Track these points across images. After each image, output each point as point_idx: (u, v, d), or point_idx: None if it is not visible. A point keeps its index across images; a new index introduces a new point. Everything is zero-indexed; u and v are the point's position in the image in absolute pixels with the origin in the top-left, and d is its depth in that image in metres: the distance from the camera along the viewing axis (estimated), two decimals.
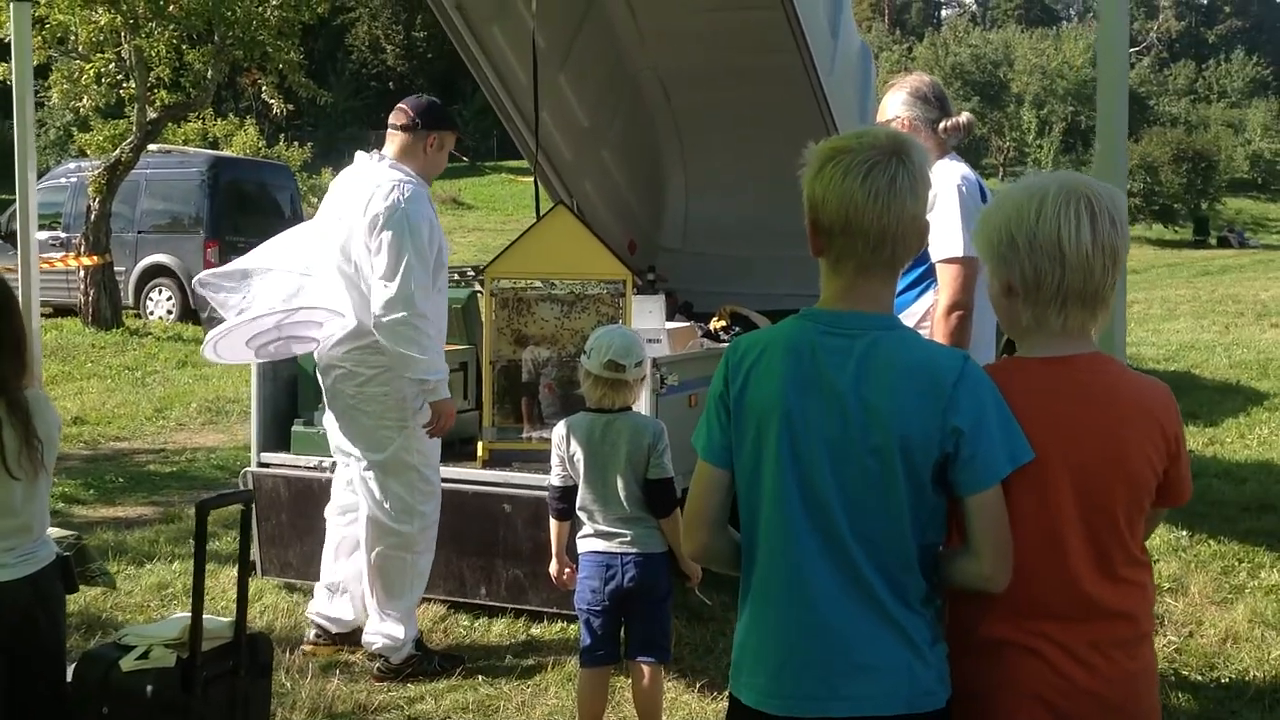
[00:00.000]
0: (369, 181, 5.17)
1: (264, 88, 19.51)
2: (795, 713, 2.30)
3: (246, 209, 19.81)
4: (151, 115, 17.49)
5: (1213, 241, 45.86)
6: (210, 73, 17.85)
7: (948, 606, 2.45)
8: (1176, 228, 48.58)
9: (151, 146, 18.54)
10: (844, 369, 2.28)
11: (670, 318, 7.86)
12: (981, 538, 2.27)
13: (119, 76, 17.80)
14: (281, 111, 19.71)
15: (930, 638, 2.33)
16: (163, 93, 17.78)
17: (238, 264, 5.44)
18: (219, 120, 34.68)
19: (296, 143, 39.84)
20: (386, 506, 5.20)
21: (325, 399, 5.39)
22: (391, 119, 5.35)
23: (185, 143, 27.80)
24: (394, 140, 5.31)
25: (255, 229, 15.50)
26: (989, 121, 60.38)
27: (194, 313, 18.94)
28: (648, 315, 7.06)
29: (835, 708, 2.28)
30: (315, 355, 5.37)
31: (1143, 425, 2.33)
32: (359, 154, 5.43)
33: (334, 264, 5.20)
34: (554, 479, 4.46)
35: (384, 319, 4.95)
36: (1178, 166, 48.61)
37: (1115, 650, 2.32)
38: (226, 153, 27.83)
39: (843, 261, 2.35)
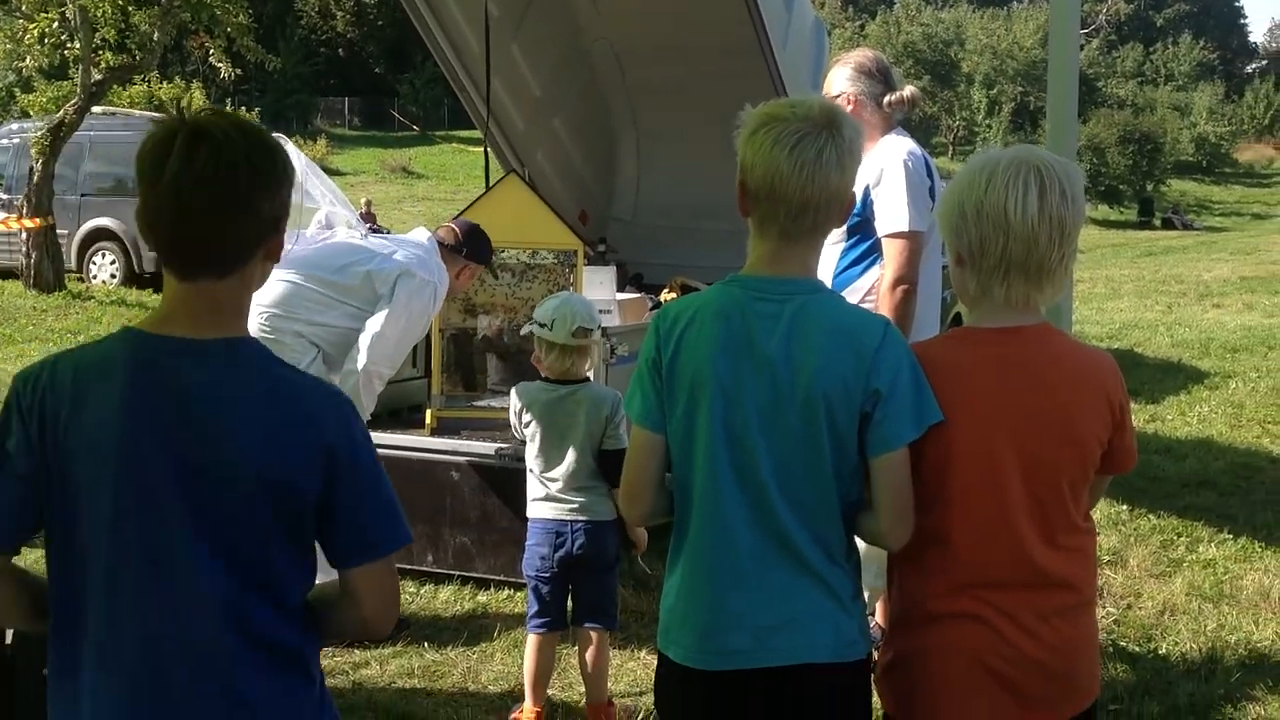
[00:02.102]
0: (413, 240, 5.42)
1: (211, 51, 19.22)
2: (725, 666, 2.36)
3: None
4: (96, 77, 17.20)
5: (1157, 223, 46.49)
6: (157, 35, 17.56)
7: (895, 577, 2.49)
8: (1122, 209, 49.19)
9: (96, 109, 18.24)
10: (773, 333, 2.32)
11: (621, 289, 7.88)
12: (882, 497, 2.33)
13: (63, 37, 17.47)
14: (229, 76, 19.43)
15: (852, 591, 2.41)
16: (108, 54, 17.48)
17: None
18: (165, 83, 34.22)
19: (244, 108, 39.43)
20: None
21: None
22: (442, 234, 5.52)
23: (131, 105, 27.40)
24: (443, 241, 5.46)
25: None
26: (939, 100, 60.78)
27: (138, 277, 18.75)
28: (599, 286, 7.07)
29: (763, 658, 2.33)
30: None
31: (1088, 394, 2.37)
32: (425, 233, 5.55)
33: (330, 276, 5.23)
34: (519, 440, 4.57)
35: (369, 365, 5.04)
36: (1124, 148, 49.21)
37: (1058, 618, 2.36)
38: None
39: (766, 225, 2.38)
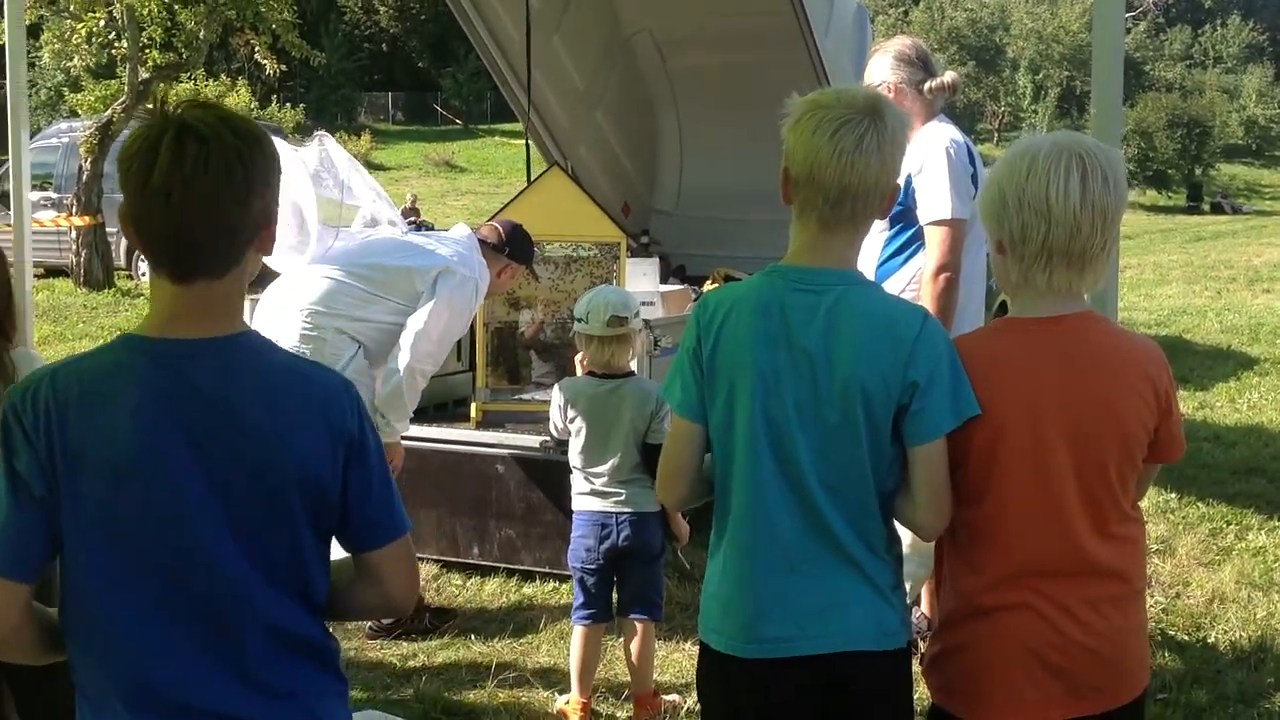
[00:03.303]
0: (454, 237, 5.42)
1: (256, 48, 19.41)
2: (766, 654, 2.37)
3: None
4: (143, 75, 17.41)
5: (1206, 208, 45.93)
6: (203, 33, 17.76)
7: (945, 570, 2.49)
8: (1170, 194, 48.63)
9: (143, 107, 18.46)
10: (811, 325, 2.33)
11: (664, 281, 7.89)
12: (920, 487, 2.35)
13: (110, 36, 17.71)
14: (274, 73, 19.62)
15: (893, 582, 2.42)
16: (154, 53, 17.69)
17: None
18: (211, 81, 34.54)
19: (289, 104, 39.77)
20: None
21: None
22: (484, 233, 5.50)
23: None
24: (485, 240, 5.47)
25: None
26: (984, 86, 60.28)
27: None
28: (642, 278, 7.09)
29: (804, 646, 2.35)
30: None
31: (1134, 382, 2.35)
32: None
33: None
34: (555, 437, 4.60)
35: (412, 363, 5.04)
36: (1172, 132, 48.63)
37: (1108, 606, 2.36)
38: None
39: (806, 213, 2.39)
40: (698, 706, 2.67)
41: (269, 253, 2.03)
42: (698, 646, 2.57)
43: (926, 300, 4.44)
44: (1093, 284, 2.40)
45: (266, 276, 5.63)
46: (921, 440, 2.31)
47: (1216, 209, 45.03)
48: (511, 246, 5.46)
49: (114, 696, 1.90)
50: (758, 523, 2.37)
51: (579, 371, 4.52)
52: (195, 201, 1.86)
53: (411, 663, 4.94)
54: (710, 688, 2.52)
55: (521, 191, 6.19)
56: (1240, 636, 5.11)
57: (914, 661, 2.52)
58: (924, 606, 4.56)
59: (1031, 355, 2.36)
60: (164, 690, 1.88)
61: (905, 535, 2.51)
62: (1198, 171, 50.48)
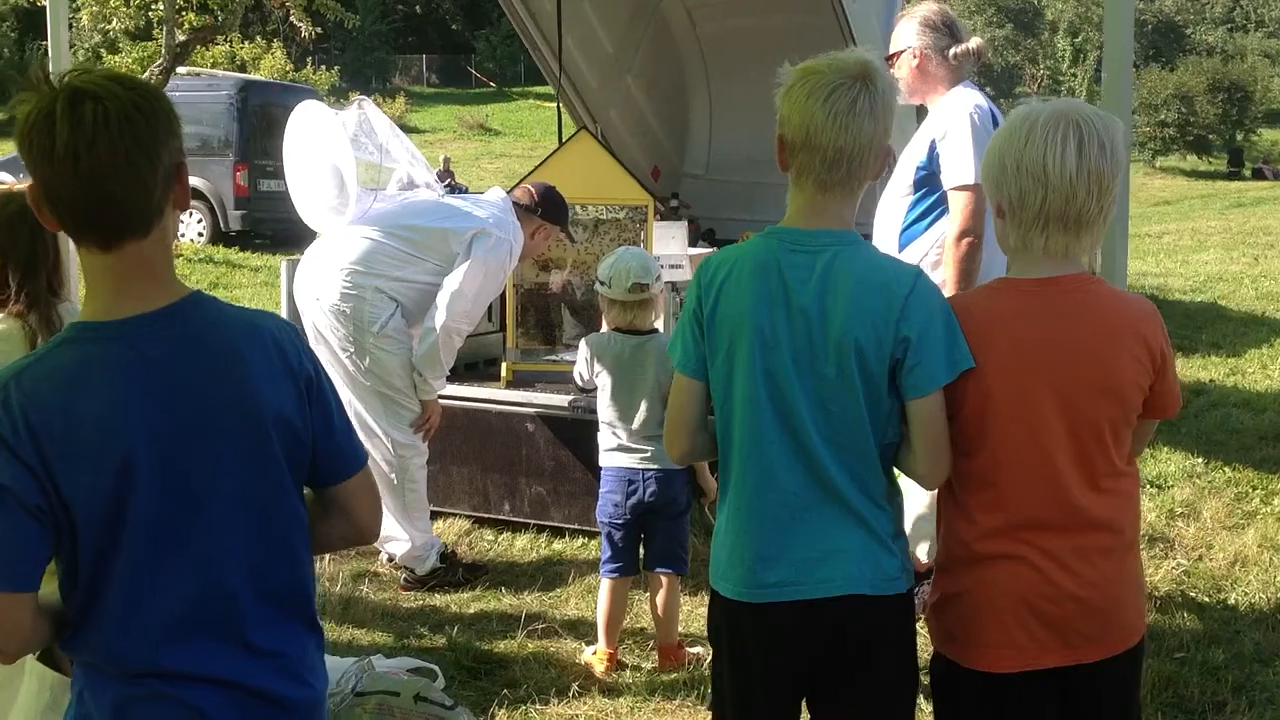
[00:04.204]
0: (489, 199, 5.54)
1: (291, 11, 19.50)
2: (769, 599, 2.49)
3: (275, 132, 19.82)
4: (180, 38, 17.54)
5: (1247, 173, 45.37)
6: None
7: (943, 520, 2.58)
8: (1211, 159, 48.09)
9: (180, 70, 18.59)
10: (807, 284, 2.43)
11: (693, 244, 7.95)
12: (918, 439, 2.46)
13: None
14: (309, 35, 19.74)
15: (893, 531, 2.53)
16: (190, 15, 17.84)
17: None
18: (247, 43, 34.65)
19: (324, 66, 39.82)
20: (370, 422, 5.32)
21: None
22: (518, 195, 5.60)
23: (213, 66, 27.81)
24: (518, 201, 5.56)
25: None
26: (1023, 49, 59.63)
27: (224, 235, 19.13)
28: (670, 241, 7.15)
29: (805, 590, 2.46)
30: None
31: (1127, 341, 2.43)
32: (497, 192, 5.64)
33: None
34: (580, 385, 4.80)
35: (448, 322, 5.15)
36: (1213, 97, 48.02)
37: (1099, 557, 2.44)
38: (255, 76, 27.83)
39: (803, 177, 2.49)
40: (715, 686, 2.79)
41: (185, 207, 2.02)
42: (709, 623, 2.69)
43: (949, 265, 4.49)
44: (1090, 247, 2.48)
45: (307, 237, 5.75)
46: (917, 394, 2.41)
47: (1258, 175, 44.47)
48: (544, 208, 5.55)
49: (110, 663, 1.96)
50: (759, 474, 2.48)
51: (604, 328, 4.62)
52: (103, 160, 1.86)
53: (444, 614, 5.08)
54: (719, 633, 2.64)
55: (550, 154, 6.26)
56: (1260, 599, 5.16)
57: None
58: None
59: (1025, 314, 2.44)
60: (162, 659, 1.95)
61: (923, 496, 2.60)
62: (1239, 137, 49.88)
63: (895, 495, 2.56)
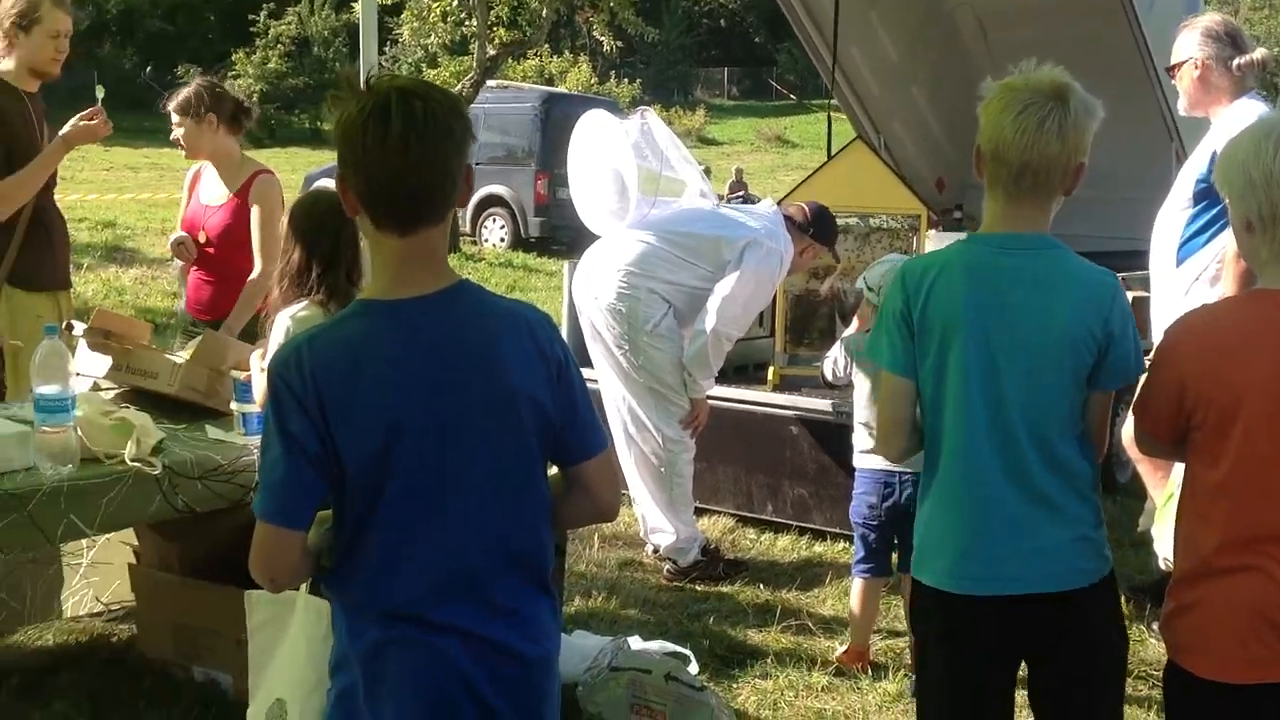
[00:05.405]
0: (761, 211, 5.77)
1: (595, 26, 20.20)
2: (970, 591, 2.59)
3: None
4: (491, 52, 18.43)
5: None
6: (545, 11, 18.64)
7: (1181, 531, 2.58)
8: None
9: (490, 82, 19.54)
10: (1018, 284, 2.55)
11: None
12: (1097, 427, 2.63)
13: (462, 15, 18.84)
14: (613, 49, 20.37)
15: (1095, 522, 2.62)
16: (501, 30, 18.70)
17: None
18: (555, 57, 35.94)
19: (626, 79, 40.87)
20: (642, 416, 5.55)
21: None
22: (791, 211, 5.79)
23: (523, 79, 29.03)
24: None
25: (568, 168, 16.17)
26: None
27: (523, 240, 20.00)
28: None
29: (1003, 586, 2.56)
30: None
31: None
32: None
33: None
34: (829, 381, 4.91)
35: (718, 327, 5.38)
36: None
37: None
38: (559, 89, 28.90)
39: (994, 185, 2.62)
40: (921, 675, 2.89)
41: (465, 205, 2.29)
42: (912, 615, 2.80)
43: (1228, 280, 4.37)
44: None
45: (585, 239, 6.06)
46: (1109, 386, 2.57)
47: None
48: (816, 227, 5.71)
49: (369, 604, 2.17)
50: (967, 468, 2.59)
51: (854, 327, 4.72)
52: (427, 151, 2.09)
53: (702, 605, 5.26)
54: (924, 623, 2.76)
55: (823, 164, 6.38)
56: None
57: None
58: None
59: (1275, 325, 2.41)
60: (416, 606, 2.15)
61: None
62: None
63: (1097, 488, 2.64)
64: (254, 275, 4.92)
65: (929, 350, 2.61)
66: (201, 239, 5.08)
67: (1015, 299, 2.54)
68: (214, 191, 5.11)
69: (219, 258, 5.06)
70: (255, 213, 4.97)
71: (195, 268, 5.17)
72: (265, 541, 2.14)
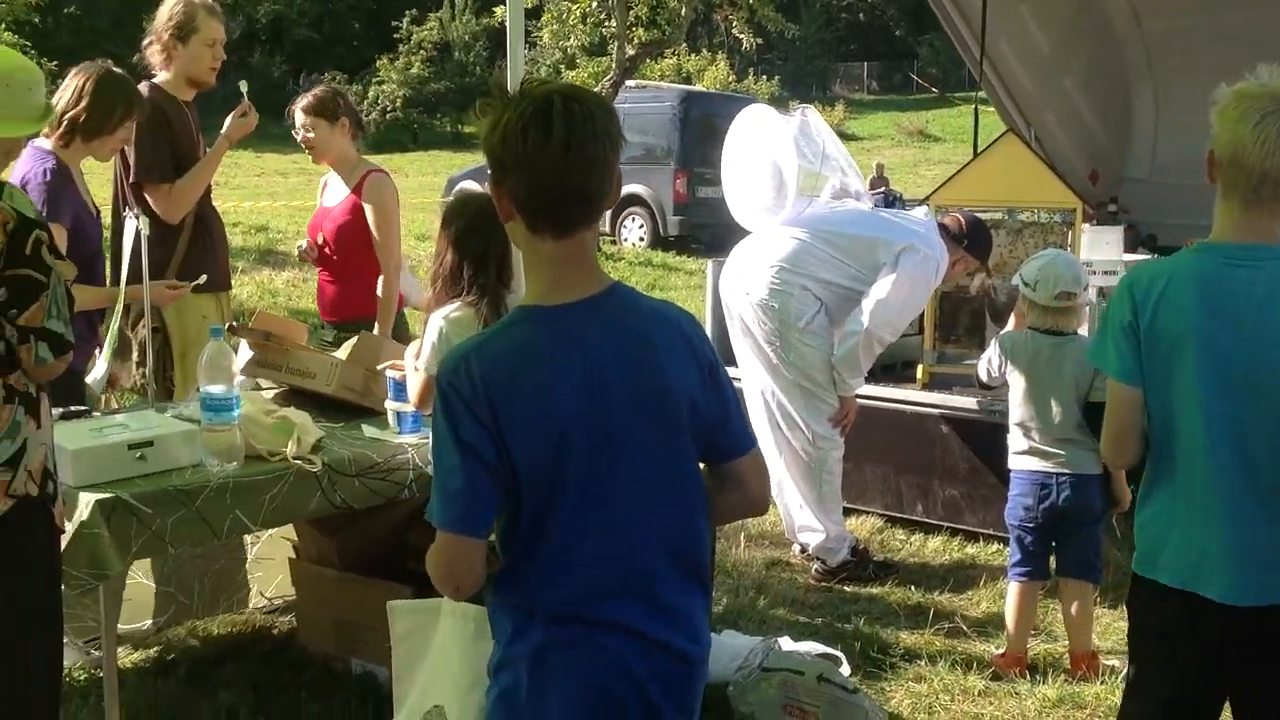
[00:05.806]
0: (916, 217, 5.74)
1: (734, 23, 20.16)
2: (1213, 596, 2.57)
3: (714, 141, 20.42)
4: (630, 52, 18.52)
5: None
6: (684, 10, 18.66)
7: None
8: None
9: (629, 82, 19.62)
10: (1250, 296, 2.54)
11: (1132, 250, 7.68)
12: None
13: (601, 16, 18.96)
14: (751, 46, 20.30)
15: None
16: (640, 31, 18.78)
17: None
18: (693, 56, 35.97)
19: (765, 76, 40.72)
20: (791, 413, 5.51)
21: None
22: (947, 220, 5.73)
23: (661, 78, 29.12)
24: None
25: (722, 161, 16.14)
26: None
27: (663, 239, 20.04)
28: (1104, 246, 6.93)
29: (1248, 597, 2.56)
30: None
31: None
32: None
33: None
34: (982, 381, 4.78)
35: (871, 328, 5.33)
36: None
37: None
38: (697, 87, 28.90)
39: (1229, 193, 2.60)
40: (1134, 674, 2.82)
41: (613, 206, 2.28)
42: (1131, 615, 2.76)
43: None
44: None
45: (725, 237, 6.04)
46: None
47: None
48: (970, 239, 5.62)
49: (539, 607, 2.18)
50: (1205, 477, 2.58)
51: (1010, 325, 4.62)
52: (587, 153, 2.10)
53: (852, 606, 5.21)
54: (1144, 619, 2.75)
55: (974, 158, 6.25)
56: None
57: None
58: None
59: None
60: (585, 607, 2.16)
61: None
62: None
63: None
64: (383, 275, 5.01)
65: (1158, 360, 2.62)
66: (320, 241, 5.19)
67: (1243, 310, 2.54)
68: (334, 195, 5.23)
69: (339, 259, 5.15)
70: (370, 212, 5.04)
71: (320, 270, 5.29)
72: (447, 550, 2.15)
